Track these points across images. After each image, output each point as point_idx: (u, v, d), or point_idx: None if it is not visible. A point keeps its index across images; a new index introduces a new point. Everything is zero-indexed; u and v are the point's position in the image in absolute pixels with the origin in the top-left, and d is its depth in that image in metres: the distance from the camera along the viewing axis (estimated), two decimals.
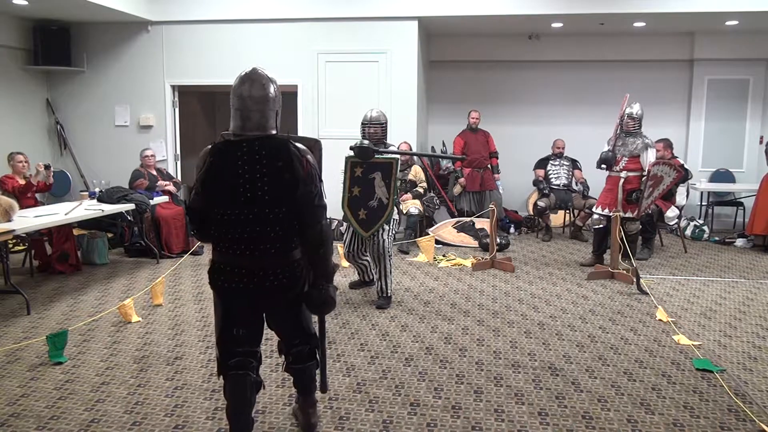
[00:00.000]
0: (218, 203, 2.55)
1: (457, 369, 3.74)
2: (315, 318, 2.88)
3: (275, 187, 2.53)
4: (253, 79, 2.58)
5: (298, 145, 2.64)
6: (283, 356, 2.87)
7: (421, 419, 3.13)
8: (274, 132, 2.62)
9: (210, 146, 2.61)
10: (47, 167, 6.41)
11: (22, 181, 6.20)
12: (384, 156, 4.79)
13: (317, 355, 2.84)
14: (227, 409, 2.67)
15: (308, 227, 2.60)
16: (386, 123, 5.21)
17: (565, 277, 5.99)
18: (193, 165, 9.81)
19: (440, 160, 8.85)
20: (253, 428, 2.77)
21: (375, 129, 5.14)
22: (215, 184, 2.54)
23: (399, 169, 5.03)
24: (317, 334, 2.87)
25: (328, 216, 2.73)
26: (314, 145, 2.96)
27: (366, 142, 4.81)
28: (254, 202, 2.53)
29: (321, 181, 2.69)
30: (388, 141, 5.32)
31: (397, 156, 4.95)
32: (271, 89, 2.60)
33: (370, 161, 4.72)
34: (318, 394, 3.04)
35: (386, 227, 4.90)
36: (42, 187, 6.42)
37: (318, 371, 2.91)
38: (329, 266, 2.66)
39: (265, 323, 2.78)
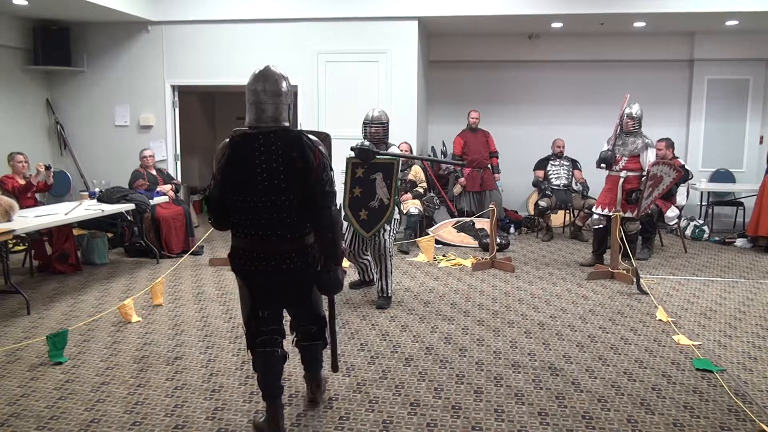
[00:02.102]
0: (238, 192, 2.72)
1: (457, 369, 3.74)
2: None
3: (290, 176, 2.70)
4: (267, 76, 2.76)
5: (311, 136, 2.83)
6: (293, 334, 3.09)
7: (421, 419, 3.13)
8: (286, 124, 2.79)
9: (228, 139, 2.77)
10: (47, 167, 6.42)
11: (22, 181, 6.21)
12: (385, 157, 4.79)
13: (325, 335, 3.05)
14: (258, 379, 2.91)
15: (319, 212, 2.78)
16: (388, 122, 5.21)
17: (565, 277, 5.99)
18: (193, 165, 9.77)
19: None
20: (282, 392, 2.96)
21: (377, 128, 5.14)
22: (234, 174, 2.71)
23: (400, 169, 5.02)
24: (327, 315, 3.10)
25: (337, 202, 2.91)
26: (325, 139, 3.14)
27: (366, 142, 4.80)
28: (271, 191, 2.70)
29: (332, 169, 2.87)
30: (389, 141, 5.31)
31: (399, 155, 4.94)
32: (284, 85, 2.78)
33: (370, 162, 4.71)
34: (327, 377, 3.12)
35: (387, 227, 4.90)
36: (42, 187, 6.43)
37: (328, 352, 3.12)
38: (338, 250, 2.84)
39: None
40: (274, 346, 2.87)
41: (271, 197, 2.70)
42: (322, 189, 2.76)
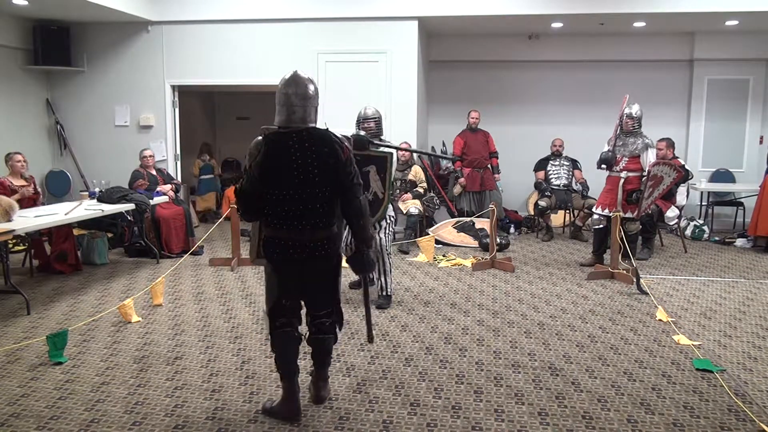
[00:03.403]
0: (274, 185, 2.93)
1: (457, 369, 3.74)
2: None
3: (322, 170, 2.94)
4: (297, 81, 2.99)
5: (337, 134, 3.08)
6: (307, 328, 3.23)
7: (421, 419, 3.13)
8: (314, 125, 3.02)
9: (261, 137, 2.97)
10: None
11: (17, 183, 6.07)
12: (378, 150, 4.79)
13: (336, 330, 3.24)
14: (276, 359, 3.13)
15: (349, 202, 3.03)
16: (381, 118, 5.28)
17: (565, 277, 5.99)
18: (193, 165, 9.70)
19: (440, 159, 8.85)
20: (299, 372, 3.14)
21: (370, 124, 5.21)
22: (271, 169, 2.92)
23: (399, 168, 5.02)
24: (362, 294, 3.47)
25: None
26: (348, 139, 3.37)
27: (362, 132, 4.84)
28: (306, 183, 2.93)
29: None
30: (385, 137, 5.37)
31: (392, 151, 4.93)
32: (311, 88, 3.01)
33: (364, 154, 4.70)
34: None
35: (383, 224, 4.90)
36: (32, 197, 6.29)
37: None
38: (368, 234, 3.11)
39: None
40: (291, 328, 3.10)
41: (306, 189, 2.92)
42: (350, 181, 3.00)
